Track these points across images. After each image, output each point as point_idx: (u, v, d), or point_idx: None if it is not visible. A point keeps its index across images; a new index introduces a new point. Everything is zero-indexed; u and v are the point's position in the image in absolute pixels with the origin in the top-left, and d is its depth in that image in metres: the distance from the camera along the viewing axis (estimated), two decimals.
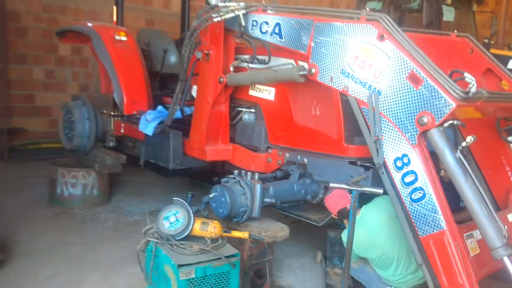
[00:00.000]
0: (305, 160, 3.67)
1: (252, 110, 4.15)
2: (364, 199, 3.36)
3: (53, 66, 8.04)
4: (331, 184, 2.82)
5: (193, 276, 2.68)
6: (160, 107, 4.63)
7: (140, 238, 4.26)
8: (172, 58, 5.65)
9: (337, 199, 3.31)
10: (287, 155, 3.83)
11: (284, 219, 3.80)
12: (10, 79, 7.53)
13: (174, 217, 2.91)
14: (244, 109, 4.24)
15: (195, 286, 2.71)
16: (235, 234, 3.00)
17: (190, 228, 2.90)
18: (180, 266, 2.66)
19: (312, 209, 3.93)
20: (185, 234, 2.89)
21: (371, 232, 3.14)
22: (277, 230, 3.34)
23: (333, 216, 3.43)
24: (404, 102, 2.75)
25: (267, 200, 3.46)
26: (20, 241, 4.10)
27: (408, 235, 2.81)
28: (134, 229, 4.69)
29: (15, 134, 7.55)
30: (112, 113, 5.38)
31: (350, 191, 3.20)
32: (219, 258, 2.78)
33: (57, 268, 3.67)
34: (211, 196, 3.38)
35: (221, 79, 3.91)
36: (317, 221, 3.71)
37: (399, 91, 2.76)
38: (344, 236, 3.31)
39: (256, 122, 4.11)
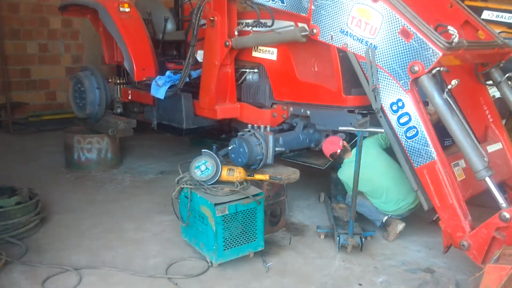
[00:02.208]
0: (308, 112, 4.13)
1: (256, 70, 4.56)
2: (353, 143, 3.89)
3: (46, 40, 8.24)
4: (340, 127, 3.30)
5: (227, 212, 3.16)
6: (168, 72, 4.99)
7: (159, 192, 4.83)
8: (170, 26, 5.96)
9: (328, 145, 3.85)
10: (291, 109, 4.29)
11: (289, 166, 4.28)
12: (7, 54, 7.72)
13: (204, 166, 3.37)
14: (248, 70, 4.64)
15: (228, 221, 3.19)
16: (257, 177, 3.49)
17: (219, 174, 3.37)
18: (216, 204, 3.14)
19: (315, 155, 4.43)
20: (215, 180, 3.37)
21: (362, 168, 3.53)
22: (290, 173, 3.84)
23: (331, 159, 3.93)
24: (397, 54, 3.21)
25: (278, 148, 3.94)
26: (52, 201, 4.51)
27: (404, 166, 3.34)
28: (152, 186, 5.15)
29: (17, 108, 7.82)
30: (118, 81, 5.72)
31: (344, 138, 3.74)
32: (247, 197, 3.27)
33: (93, 221, 4.11)
34: (230, 148, 3.84)
35: (227, 43, 4.29)
36: (321, 165, 4.21)
37: (393, 45, 3.22)
38: (340, 174, 3.85)
39: (261, 81, 4.53)
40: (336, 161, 3.86)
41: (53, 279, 3.12)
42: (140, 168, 5.81)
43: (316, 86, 4.02)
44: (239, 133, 3.95)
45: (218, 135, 5.26)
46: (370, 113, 3.70)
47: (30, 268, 3.24)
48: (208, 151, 3.44)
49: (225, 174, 3.40)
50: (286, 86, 4.27)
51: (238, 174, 3.41)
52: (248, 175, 3.47)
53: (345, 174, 3.75)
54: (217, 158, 3.39)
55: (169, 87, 4.78)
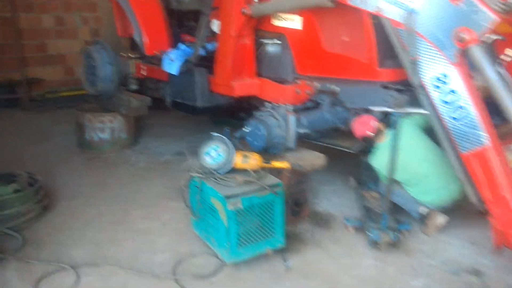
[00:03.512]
0: (336, 87, 3.66)
1: (277, 41, 4.07)
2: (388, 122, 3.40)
3: (62, 13, 7.89)
4: (372, 108, 2.82)
5: (240, 206, 2.76)
6: (182, 45, 4.56)
7: (173, 176, 4.47)
8: None
9: (359, 126, 3.34)
10: (316, 84, 3.82)
11: (310, 147, 3.83)
12: (21, 28, 7.43)
13: (215, 152, 2.96)
14: (268, 41, 4.16)
15: (242, 215, 2.80)
16: (275, 164, 3.06)
17: (232, 161, 2.96)
18: (227, 197, 2.74)
19: (343, 136, 3.96)
20: (228, 168, 2.96)
21: (400, 153, 3.14)
22: (313, 158, 3.40)
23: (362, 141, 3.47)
24: (442, 20, 2.70)
25: (300, 130, 3.49)
26: (60, 184, 4.22)
27: (448, 152, 2.86)
28: (166, 168, 4.80)
29: (33, 84, 7.57)
30: (132, 55, 5.33)
31: (379, 118, 3.25)
32: (263, 188, 2.85)
33: (101, 208, 3.79)
34: (246, 130, 3.41)
35: (244, 11, 3.82)
36: (350, 148, 3.75)
37: (437, 8, 2.70)
38: (371, 160, 3.37)
39: (282, 53, 4.04)
40: (368, 144, 3.39)
41: (48, 279, 2.80)
42: (157, 148, 5.46)
43: (345, 58, 3.54)
44: (257, 113, 3.51)
45: (237, 113, 4.82)
46: (408, 89, 3.22)
47: (25, 265, 2.94)
48: (219, 135, 3.02)
49: (239, 161, 2.99)
50: (311, 59, 3.80)
51: (253, 161, 2.99)
52: (265, 162, 3.04)
53: (378, 160, 3.28)
54: (230, 143, 2.97)
55: (183, 62, 4.35)
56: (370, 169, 3.81)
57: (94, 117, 5.17)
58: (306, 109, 3.85)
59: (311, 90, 3.87)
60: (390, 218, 3.12)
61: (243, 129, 3.44)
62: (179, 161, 5.00)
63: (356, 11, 3.22)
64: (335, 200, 3.99)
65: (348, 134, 3.94)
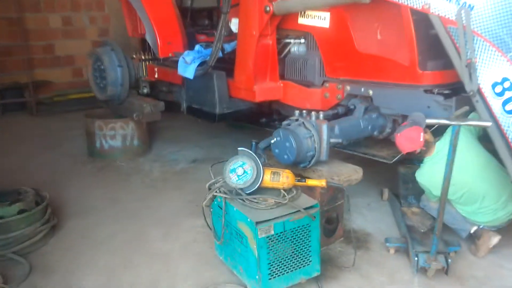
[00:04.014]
0: (371, 92, 3.30)
1: (303, 40, 3.72)
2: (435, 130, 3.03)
3: (69, 12, 7.61)
4: (427, 120, 2.46)
5: (272, 232, 2.42)
6: (198, 46, 4.22)
7: (191, 187, 4.15)
8: None
9: (405, 141, 2.83)
10: (348, 88, 3.46)
11: (337, 155, 3.47)
12: (28, 29, 7.14)
13: (241, 169, 2.62)
14: (292, 40, 3.80)
15: (274, 243, 2.46)
16: (311, 182, 2.71)
17: (260, 179, 2.62)
18: (258, 223, 2.40)
19: (378, 144, 3.61)
20: (255, 187, 2.62)
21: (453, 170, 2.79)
22: (350, 173, 3.04)
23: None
24: (504, 16, 2.32)
25: (333, 140, 3.14)
26: (69, 199, 3.92)
27: (510, 167, 2.49)
28: (183, 178, 4.49)
29: (41, 87, 7.29)
30: (143, 57, 4.99)
31: (426, 131, 2.87)
32: (298, 211, 2.51)
33: (115, 227, 3.48)
34: (273, 141, 3.07)
35: (268, 8, 3.47)
36: (386, 158, 3.39)
37: (499, 3, 2.32)
38: (420, 176, 3.00)
39: (309, 53, 3.69)
40: (413, 158, 3.02)
41: None
42: (171, 155, 5.14)
43: (381, 59, 3.18)
44: (284, 122, 3.15)
45: (257, 118, 4.47)
46: (456, 94, 2.85)
47: None
48: (246, 149, 2.68)
49: (268, 179, 2.64)
50: (341, 60, 3.44)
51: (285, 179, 2.64)
52: (298, 180, 2.69)
53: (426, 177, 2.91)
54: (258, 159, 2.63)
55: (199, 64, 4.01)
56: (408, 181, 3.46)
57: (104, 124, 4.86)
58: (337, 116, 3.50)
59: (341, 95, 3.52)
60: (440, 241, 2.76)
61: (270, 140, 3.09)
62: (195, 170, 4.70)
63: (394, 6, 2.86)
64: (369, 215, 3.64)
65: (383, 141, 3.60)
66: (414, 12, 2.81)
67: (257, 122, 4.47)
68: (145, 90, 5.17)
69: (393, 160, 3.29)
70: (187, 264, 2.98)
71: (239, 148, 2.69)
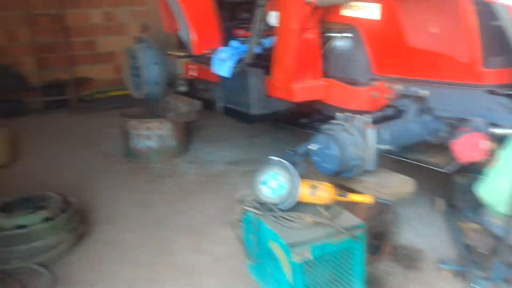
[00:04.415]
0: (425, 92, 2.92)
1: (347, 34, 3.35)
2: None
3: (109, 7, 7.53)
4: (495, 130, 2.07)
5: (310, 256, 2.12)
6: (234, 42, 3.94)
7: (226, 192, 3.90)
8: None
9: (465, 150, 2.52)
10: (398, 87, 3.09)
11: (382, 158, 3.07)
12: (68, 25, 7.12)
13: (274, 182, 2.33)
14: (335, 34, 3.45)
15: (311, 267, 2.16)
16: (354, 198, 2.38)
17: (296, 194, 2.32)
18: (292, 245, 2.11)
19: (431, 149, 3.21)
20: (291, 202, 2.32)
21: None
22: (399, 185, 2.68)
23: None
24: None
25: (381, 146, 2.78)
26: (98, 202, 3.78)
27: None
28: (218, 182, 4.26)
29: (82, 84, 7.27)
30: (180, 54, 4.77)
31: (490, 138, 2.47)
32: (339, 232, 2.19)
33: (143, 235, 3.30)
34: (313, 148, 2.74)
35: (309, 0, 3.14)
36: (441, 165, 3.00)
37: None
38: (482, 190, 2.59)
39: (354, 48, 3.32)
40: (473, 169, 2.63)
41: None
42: (208, 156, 4.92)
43: (436, 55, 2.80)
44: (325, 126, 2.81)
45: (297, 119, 4.15)
46: None
47: None
48: (279, 159, 2.38)
49: (305, 193, 2.34)
50: (391, 56, 3.08)
51: (324, 193, 2.33)
52: (339, 195, 2.37)
53: (489, 191, 2.51)
54: (294, 170, 2.33)
55: (236, 62, 3.74)
56: (466, 192, 3.05)
57: (140, 124, 4.69)
58: (386, 118, 3.13)
59: (391, 94, 3.15)
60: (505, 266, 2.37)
61: (310, 146, 2.77)
62: (231, 172, 4.46)
63: None
64: (420, 228, 3.26)
65: (437, 146, 3.20)
66: (476, 1, 2.43)
67: (297, 123, 4.15)
68: (182, 88, 4.97)
69: (449, 169, 2.90)
70: (216, 281, 2.74)
71: (270, 157, 2.40)
